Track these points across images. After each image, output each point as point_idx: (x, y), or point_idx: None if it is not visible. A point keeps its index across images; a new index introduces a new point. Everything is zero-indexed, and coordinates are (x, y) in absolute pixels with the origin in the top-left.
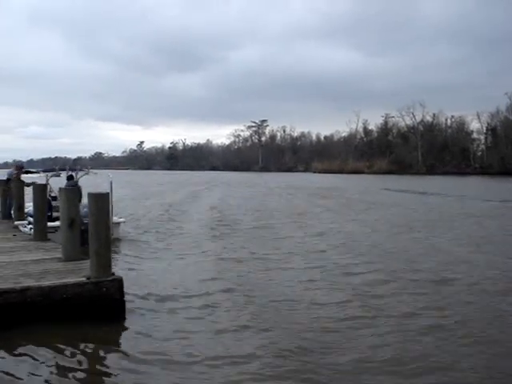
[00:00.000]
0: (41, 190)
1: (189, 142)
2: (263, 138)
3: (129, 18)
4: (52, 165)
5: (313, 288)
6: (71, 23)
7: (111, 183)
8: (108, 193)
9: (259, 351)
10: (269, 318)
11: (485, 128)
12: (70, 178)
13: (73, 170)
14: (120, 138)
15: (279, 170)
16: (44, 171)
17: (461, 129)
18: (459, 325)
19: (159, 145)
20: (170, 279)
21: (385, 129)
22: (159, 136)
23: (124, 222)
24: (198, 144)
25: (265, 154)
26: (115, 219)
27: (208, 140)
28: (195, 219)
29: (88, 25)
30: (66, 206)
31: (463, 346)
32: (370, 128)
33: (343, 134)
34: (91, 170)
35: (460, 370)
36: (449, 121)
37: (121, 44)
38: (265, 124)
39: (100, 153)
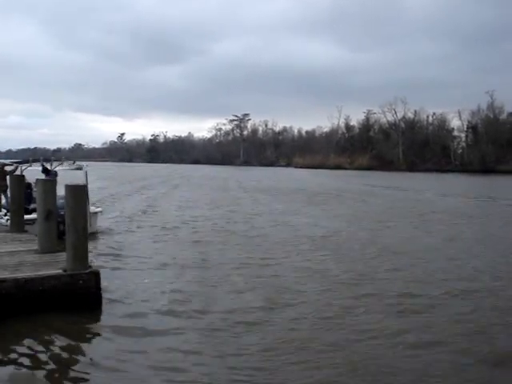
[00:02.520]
0: (18, 181)
1: (170, 135)
2: (245, 132)
3: (108, 7)
4: (31, 155)
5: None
6: (48, 12)
7: (86, 173)
8: (85, 184)
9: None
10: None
11: (466, 126)
12: (44, 170)
13: (47, 161)
14: (100, 129)
15: (261, 164)
16: (18, 163)
17: (442, 126)
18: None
19: (140, 137)
20: (147, 271)
21: (366, 125)
22: (140, 128)
23: (101, 211)
24: (180, 137)
25: (246, 148)
26: (92, 209)
27: (189, 133)
28: None
29: (65, 13)
30: (42, 198)
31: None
32: (351, 124)
33: (325, 130)
34: (68, 161)
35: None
36: (430, 118)
37: (100, 34)
38: (247, 118)
39: (80, 144)
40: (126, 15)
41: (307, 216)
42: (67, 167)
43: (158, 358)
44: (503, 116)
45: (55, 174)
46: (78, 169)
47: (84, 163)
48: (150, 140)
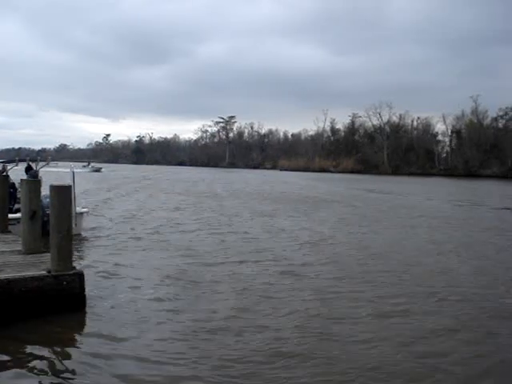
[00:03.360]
0: (1, 181)
1: (156, 137)
2: (231, 135)
3: (92, 7)
4: (16, 156)
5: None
6: (33, 10)
7: (73, 174)
8: (70, 185)
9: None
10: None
11: (450, 130)
12: (28, 169)
13: (33, 161)
14: (86, 130)
15: (247, 166)
16: (4, 163)
17: (426, 130)
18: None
19: (126, 138)
20: (131, 273)
21: (352, 128)
22: (126, 129)
23: (87, 211)
24: (165, 138)
25: (232, 151)
26: (78, 209)
27: (175, 135)
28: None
29: (51, 12)
30: (27, 198)
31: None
32: (337, 127)
33: (311, 133)
34: (54, 162)
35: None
36: (415, 122)
37: (85, 33)
38: (233, 120)
39: (65, 145)
40: (110, 15)
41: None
42: (87, 169)
43: (143, 360)
44: (487, 121)
45: (35, 174)
46: (95, 171)
47: (100, 165)
48: (136, 141)
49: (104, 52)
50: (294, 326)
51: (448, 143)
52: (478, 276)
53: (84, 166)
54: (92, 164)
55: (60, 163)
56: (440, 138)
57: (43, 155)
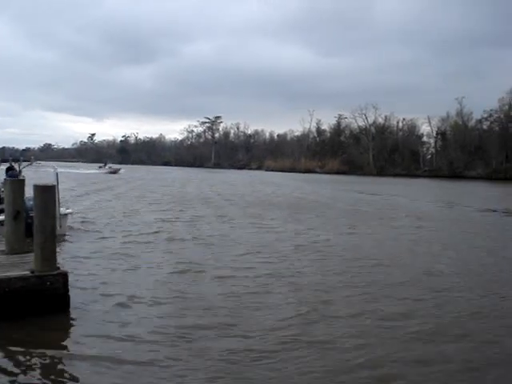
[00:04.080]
0: None
1: (141, 136)
2: (217, 135)
3: (79, 5)
4: None
5: None
6: (17, 9)
7: (57, 174)
8: (54, 185)
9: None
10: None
11: (435, 132)
12: (8, 169)
13: (16, 161)
14: (71, 129)
15: (232, 167)
16: None
17: (412, 132)
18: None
19: (111, 138)
20: (116, 274)
21: (337, 129)
22: (111, 129)
23: (72, 213)
24: (151, 138)
25: (218, 151)
26: (62, 210)
27: (161, 134)
28: None
29: (36, 11)
30: (10, 198)
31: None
32: (323, 128)
33: (296, 133)
34: (36, 162)
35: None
36: (400, 123)
37: (71, 32)
38: (218, 120)
39: (49, 144)
40: (96, 13)
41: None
42: (103, 170)
43: (127, 362)
44: (472, 123)
45: (14, 174)
46: (112, 172)
47: (54, 164)
48: (121, 141)
49: (90, 51)
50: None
51: (433, 145)
52: (463, 277)
53: (100, 167)
54: (109, 165)
55: (43, 163)
56: (425, 139)
57: (27, 155)
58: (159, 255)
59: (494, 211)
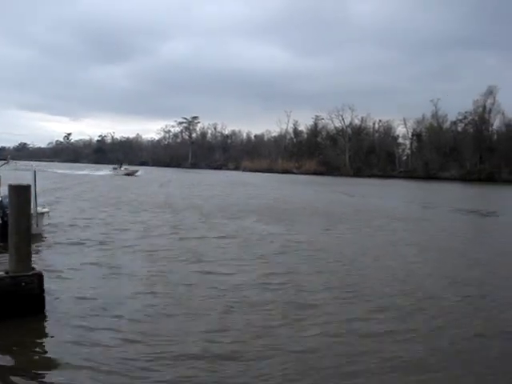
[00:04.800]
0: None
1: (118, 136)
2: (194, 135)
3: (53, 2)
4: None
5: None
6: None
7: (35, 173)
8: (29, 185)
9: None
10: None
11: (410, 133)
12: None
13: None
14: (46, 128)
15: (209, 167)
16: None
17: (387, 133)
18: None
19: (87, 137)
20: (91, 274)
21: (314, 130)
22: (87, 128)
23: (48, 212)
24: (128, 138)
25: (195, 151)
26: (39, 209)
27: (138, 134)
28: None
29: (8, 8)
30: None
31: None
32: (300, 129)
33: (274, 134)
34: (12, 161)
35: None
36: (376, 125)
37: (45, 30)
38: (196, 120)
39: (25, 143)
40: (71, 11)
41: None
42: (118, 172)
43: (101, 364)
44: (446, 124)
45: None
46: (128, 174)
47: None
48: (97, 141)
49: (65, 49)
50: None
51: (408, 146)
52: (437, 278)
53: (114, 169)
54: (125, 166)
55: (21, 162)
56: (401, 140)
57: (3, 154)
58: (138, 259)
59: (469, 212)
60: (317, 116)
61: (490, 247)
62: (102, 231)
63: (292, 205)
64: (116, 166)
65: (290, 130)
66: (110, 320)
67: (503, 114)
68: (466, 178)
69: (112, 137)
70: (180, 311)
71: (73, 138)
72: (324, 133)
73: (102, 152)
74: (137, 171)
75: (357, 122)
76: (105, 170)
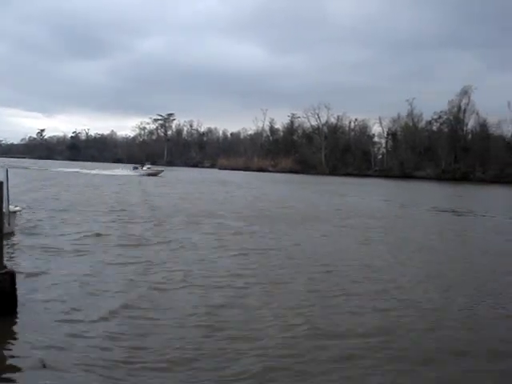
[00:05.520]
0: None
1: (92, 133)
2: (169, 132)
3: None
4: None
5: None
6: None
7: (7, 171)
8: (1, 182)
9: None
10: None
11: (386, 132)
12: None
13: None
14: (19, 124)
15: (185, 164)
16: None
17: (363, 132)
18: None
19: (61, 134)
20: (64, 273)
21: (290, 128)
22: (61, 125)
23: (21, 210)
24: (102, 135)
25: (171, 149)
26: (11, 208)
27: (112, 131)
28: None
29: None
30: None
31: None
32: (276, 127)
33: (250, 132)
34: None
35: None
36: (352, 124)
37: (18, 23)
38: (171, 118)
39: None
40: (45, 4)
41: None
42: (140, 172)
43: (74, 364)
44: (422, 124)
45: None
46: (151, 174)
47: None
48: (72, 137)
49: (38, 44)
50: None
51: (384, 145)
52: (410, 277)
53: (135, 168)
54: (148, 165)
55: None
56: (376, 139)
57: None
58: (112, 257)
59: (445, 211)
60: (293, 114)
61: (471, 245)
62: (71, 227)
63: (291, 210)
64: (137, 165)
65: (267, 128)
66: (82, 322)
67: (478, 114)
68: (441, 178)
69: (86, 133)
70: (152, 310)
71: (46, 135)
72: (300, 131)
73: (76, 149)
74: (161, 171)
75: (333, 120)
76: (121, 170)
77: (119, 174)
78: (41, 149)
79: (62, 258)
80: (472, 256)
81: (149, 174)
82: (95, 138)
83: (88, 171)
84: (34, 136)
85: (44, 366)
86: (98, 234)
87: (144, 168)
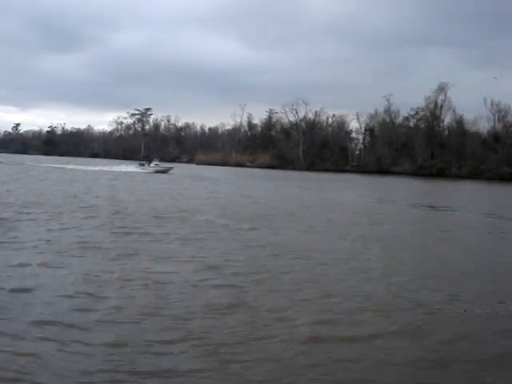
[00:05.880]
0: None
1: (68, 127)
2: (147, 127)
3: None
4: None
5: None
6: None
7: None
8: None
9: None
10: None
11: (363, 128)
12: None
13: None
14: None
15: (163, 159)
16: None
17: (341, 128)
18: None
19: (37, 128)
20: (25, 272)
21: (268, 124)
22: (37, 119)
23: None
24: (79, 129)
25: (148, 143)
26: None
27: (89, 126)
28: None
29: None
30: None
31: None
32: (254, 122)
33: (228, 127)
34: None
35: None
36: (330, 119)
37: None
38: (149, 112)
39: None
40: None
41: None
42: (147, 169)
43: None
44: (399, 120)
45: None
46: (160, 171)
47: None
48: (47, 132)
49: (12, 36)
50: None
51: (361, 141)
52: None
53: (142, 165)
54: (156, 161)
55: None
56: (354, 135)
57: None
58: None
59: (423, 206)
60: (271, 109)
61: (448, 241)
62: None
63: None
64: (143, 162)
65: (245, 124)
66: (43, 319)
67: (454, 110)
68: (418, 173)
69: (62, 128)
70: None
71: (22, 129)
72: (278, 126)
73: (52, 143)
74: (171, 168)
75: (311, 116)
76: (125, 167)
77: (123, 170)
78: (16, 143)
79: (21, 254)
80: (441, 249)
81: (157, 171)
82: (71, 132)
83: (88, 167)
84: (10, 130)
85: None
86: None
87: (152, 164)
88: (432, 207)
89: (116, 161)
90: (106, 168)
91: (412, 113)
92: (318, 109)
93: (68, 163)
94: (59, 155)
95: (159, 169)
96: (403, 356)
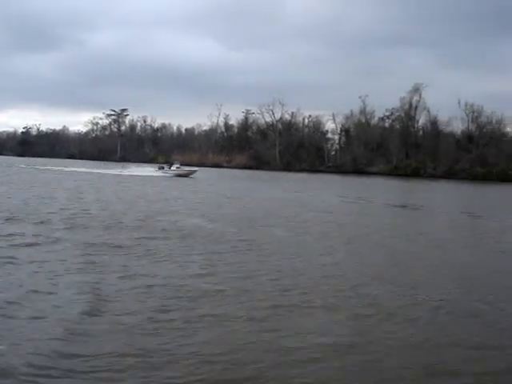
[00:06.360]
0: None
1: (44, 128)
2: (123, 128)
3: None
4: None
5: None
6: None
7: None
8: None
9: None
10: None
11: (339, 129)
12: None
13: None
14: None
15: (139, 160)
16: None
17: (317, 128)
18: None
19: (11, 129)
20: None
21: (245, 125)
22: (11, 120)
23: None
24: (54, 130)
25: (124, 144)
26: None
27: (64, 126)
28: None
29: None
30: None
31: None
32: (230, 123)
33: (204, 128)
34: None
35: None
36: (306, 120)
37: None
38: (125, 113)
39: None
40: None
41: None
42: (167, 173)
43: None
44: (374, 120)
45: None
46: (181, 175)
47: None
48: (22, 133)
49: None
50: None
51: (337, 141)
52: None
53: (161, 168)
54: (177, 165)
55: None
56: (330, 135)
57: None
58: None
59: (398, 206)
60: (247, 110)
61: (424, 240)
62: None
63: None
64: (163, 165)
65: (221, 124)
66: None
67: (428, 111)
68: (393, 173)
69: (38, 129)
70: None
71: None
72: (255, 127)
73: (28, 144)
74: (194, 171)
75: (287, 116)
76: (140, 169)
77: (143, 174)
78: None
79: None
80: (418, 248)
81: (178, 175)
82: (47, 133)
83: (102, 171)
84: None
85: None
86: None
87: (172, 168)
88: (406, 206)
89: (127, 163)
90: (125, 172)
91: (387, 113)
92: (294, 110)
93: (72, 165)
94: (34, 156)
95: (181, 172)
96: None
